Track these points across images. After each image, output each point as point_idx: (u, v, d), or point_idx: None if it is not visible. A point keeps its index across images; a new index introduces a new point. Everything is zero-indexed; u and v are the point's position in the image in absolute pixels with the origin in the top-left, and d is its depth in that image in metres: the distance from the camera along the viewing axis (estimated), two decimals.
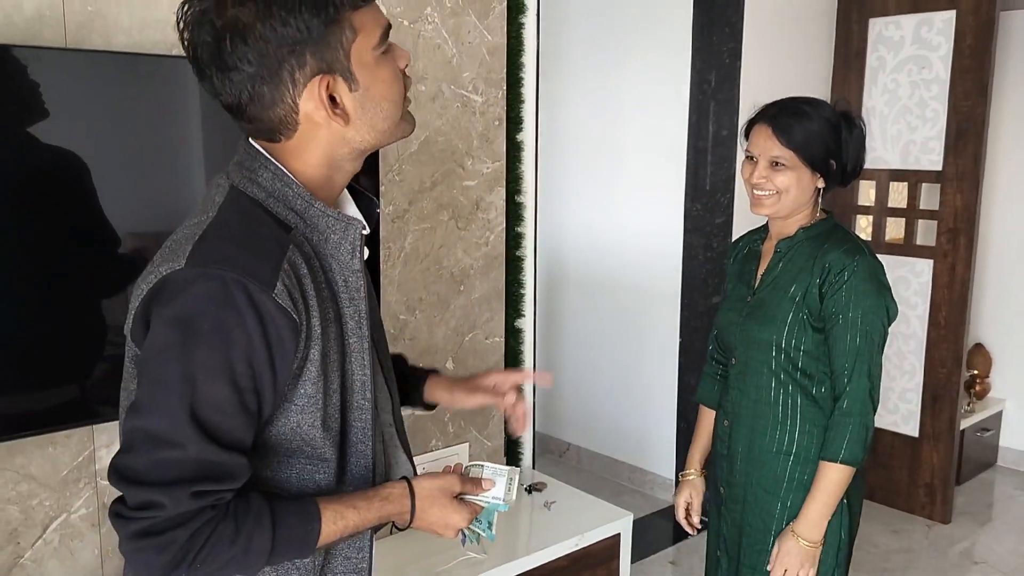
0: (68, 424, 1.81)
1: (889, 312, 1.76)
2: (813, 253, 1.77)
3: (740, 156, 1.91)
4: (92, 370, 1.85)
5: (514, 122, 2.58)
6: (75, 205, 1.76)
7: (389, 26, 1.05)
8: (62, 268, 1.76)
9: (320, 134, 1.03)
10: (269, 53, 0.96)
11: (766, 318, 1.81)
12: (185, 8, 0.99)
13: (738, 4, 3.32)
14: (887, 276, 1.78)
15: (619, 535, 2.59)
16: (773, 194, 1.77)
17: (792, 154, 1.75)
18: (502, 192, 2.56)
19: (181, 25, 0.99)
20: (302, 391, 1.02)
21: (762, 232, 1.95)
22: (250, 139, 1.07)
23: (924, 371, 3.66)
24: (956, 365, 3.57)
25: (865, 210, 3.82)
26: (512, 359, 2.70)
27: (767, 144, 1.77)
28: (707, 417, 2.05)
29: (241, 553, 0.98)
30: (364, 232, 1.09)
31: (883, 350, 1.77)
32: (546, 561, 2.40)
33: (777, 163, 1.76)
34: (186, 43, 0.99)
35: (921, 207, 3.65)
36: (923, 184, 3.63)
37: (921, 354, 3.66)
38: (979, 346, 4.34)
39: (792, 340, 1.77)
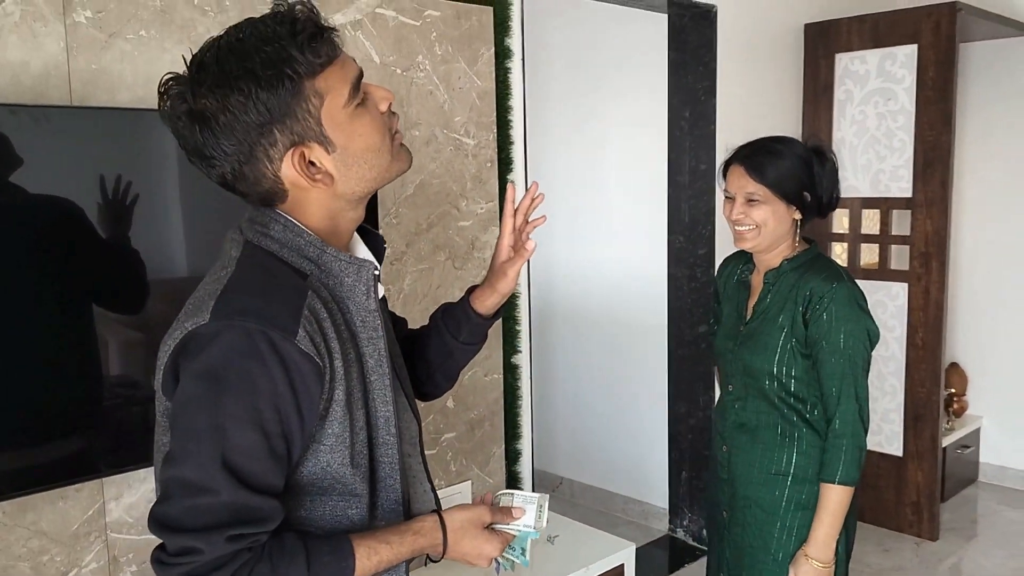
0: (78, 478, 1.80)
1: (870, 335, 1.84)
2: (796, 283, 1.86)
3: (719, 189, 2.01)
4: (100, 424, 1.85)
5: (505, 163, 2.64)
6: (79, 258, 1.78)
7: (360, 75, 1.08)
8: (68, 320, 1.78)
9: (311, 196, 1.08)
10: (239, 139, 1.01)
11: (758, 348, 1.89)
12: (161, 100, 1.04)
13: (711, 44, 3.44)
14: (866, 301, 1.86)
15: (623, 566, 2.61)
16: (753, 228, 1.87)
17: (766, 189, 1.85)
18: (496, 231, 2.61)
19: (162, 116, 1.04)
20: (329, 431, 1.05)
21: (750, 260, 2.04)
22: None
23: (905, 391, 3.75)
24: (935, 384, 3.66)
25: (840, 237, 3.93)
26: (510, 395, 2.73)
27: (742, 182, 1.88)
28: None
29: None
30: (376, 272, 1.13)
31: (868, 372, 1.84)
32: None
33: (752, 199, 1.86)
34: (171, 131, 1.05)
35: (893, 233, 3.76)
36: (894, 211, 3.74)
37: (901, 375, 3.75)
38: (954, 365, 4.45)
39: (784, 367, 1.86)
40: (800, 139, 1.97)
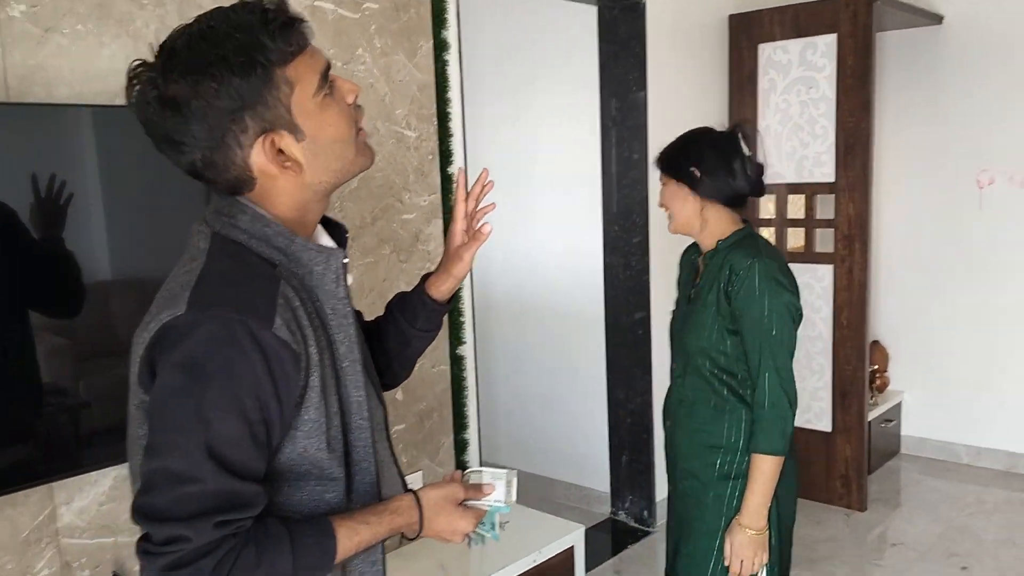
0: (26, 484, 1.76)
1: (791, 308, 1.87)
2: (721, 262, 1.92)
3: (653, 179, 2.09)
4: (39, 429, 1.82)
5: (445, 155, 2.66)
6: (12, 262, 1.73)
7: (328, 66, 1.09)
8: (10, 327, 1.73)
9: (279, 184, 1.09)
10: (210, 124, 1.01)
11: (694, 326, 1.97)
12: (129, 86, 1.03)
13: (640, 35, 3.52)
14: (788, 276, 1.90)
15: (572, 548, 2.67)
16: (668, 213, 1.99)
17: (667, 177, 1.97)
18: (440, 223, 2.63)
19: (130, 103, 1.04)
20: (306, 417, 1.07)
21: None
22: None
23: (832, 369, 3.91)
24: (860, 362, 3.84)
25: (767, 222, 4.06)
26: (456, 385, 2.76)
27: (660, 175, 1.99)
28: None
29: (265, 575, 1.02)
30: (345, 260, 1.15)
31: (791, 345, 1.89)
32: None
33: (665, 187, 1.98)
34: (138, 119, 1.04)
35: (818, 217, 3.91)
36: (818, 195, 3.90)
37: (828, 354, 3.91)
38: (876, 343, 4.66)
39: (714, 344, 1.93)
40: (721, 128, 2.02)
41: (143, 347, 1.03)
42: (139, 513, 0.99)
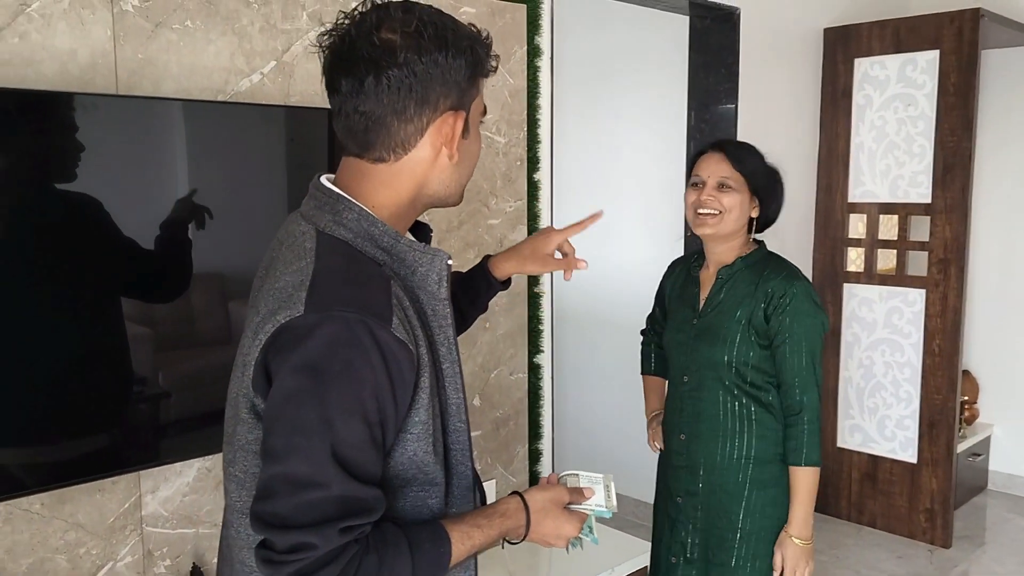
0: (115, 471, 1.79)
1: (824, 326, 1.99)
2: (754, 280, 1.98)
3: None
4: (135, 417, 1.84)
5: (532, 162, 2.63)
6: (118, 254, 1.76)
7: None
8: (105, 316, 1.76)
9: (418, 169, 1.08)
10: (430, 76, 1.03)
11: (715, 339, 2.00)
12: (354, 22, 1.05)
13: (733, 47, 3.44)
14: (819, 296, 2.04)
15: (646, 568, 2.60)
16: (716, 214, 1.98)
17: (740, 178, 1.98)
18: (524, 230, 2.61)
19: (335, 33, 1.06)
20: (416, 419, 1.05)
21: (696, 259, 2.16)
22: (323, 180, 1.11)
23: (920, 398, 3.75)
24: (951, 391, 3.67)
25: (856, 243, 3.93)
26: (533, 395, 2.73)
27: (718, 167, 1.99)
28: (654, 380, 2.37)
29: None
30: (449, 262, 1.13)
31: (822, 360, 2.02)
32: None
33: (724, 184, 1.98)
34: (337, 49, 1.05)
35: (911, 238, 3.77)
36: (912, 216, 3.75)
37: (917, 381, 3.76)
38: (966, 372, 4.46)
39: (741, 357, 1.97)
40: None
41: (258, 349, 1.01)
42: (260, 521, 0.98)
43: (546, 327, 2.75)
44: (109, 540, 1.83)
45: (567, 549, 1.24)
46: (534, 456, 2.78)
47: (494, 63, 1.11)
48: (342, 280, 1.01)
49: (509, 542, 1.18)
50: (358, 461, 0.98)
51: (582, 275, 4.55)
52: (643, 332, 2.42)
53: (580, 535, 1.22)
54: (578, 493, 1.23)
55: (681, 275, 2.19)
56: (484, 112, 1.14)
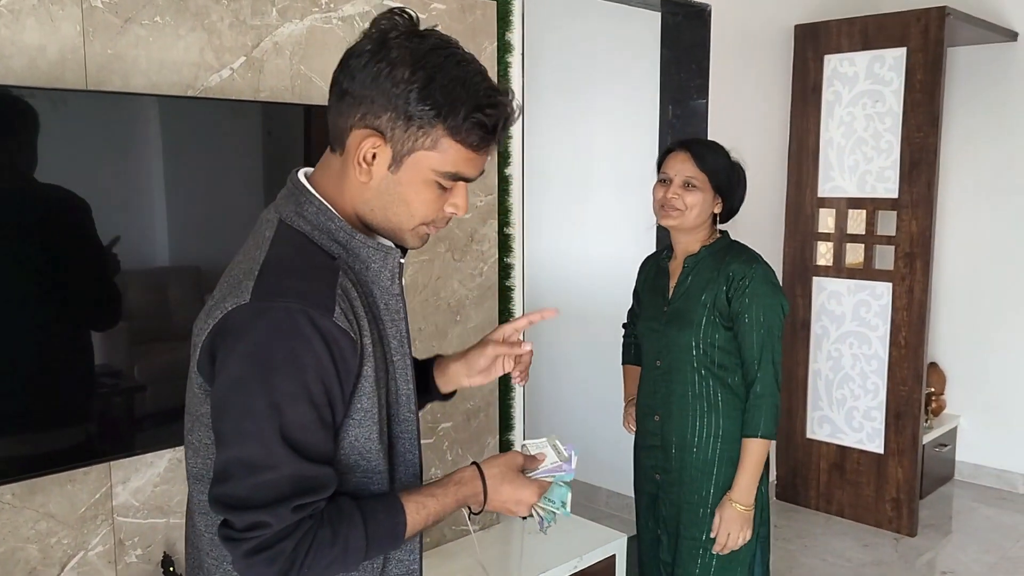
0: (86, 461, 1.81)
1: (784, 308, 2.11)
2: (717, 265, 2.12)
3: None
4: (105, 408, 1.86)
5: (503, 156, 2.67)
6: (82, 246, 1.78)
7: (470, 180, 1.13)
8: (70, 308, 1.78)
9: (349, 172, 1.11)
10: (377, 89, 1.04)
11: (684, 323, 2.13)
12: (391, 17, 1.09)
13: (704, 43, 3.49)
14: (778, 279, 2.15)
15: (614, 556, 2.66)
16: (679, 210, 2.11)
17: (704, 177, 2.11)
18: (495, 224, 2.64)
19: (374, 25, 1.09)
20: (359, 405, 1.10)
21: (665, 252, 2.29)
22: (299, 173, 1.16)
23: (887, 390, 3.83)
24: (917, 383, 3.75)
25: (825, 236, 3.99)
26: (504, 387, 2.77)
27: (683, 166, 2.12)
28: (633, 370, 2.42)
29: (341, 553, 1.06)
30: (401, 260, 1.17)
31: (781, 340, 2.12)
32: None
33: (689, 184, 2.11)
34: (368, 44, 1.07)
35: (878, 233, 3.84)
36: (880, 211, 3.82)
37: (883, 373, 3.83)
38: (933, 364, 4.54)
39: (707, 339, 2.11)
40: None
41: (206, 333, 1.05)
42: (219, 503, 1.03)
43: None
44: (80, 530, 1.85)
45: (539, 525, 1.27)
46: (506, 447, 2.82)
47: (482, 142, 1.08)
48: (288, 271, 1.06)
49: (473, 513, 1.21)
50: (308, 442, 1.03)
51: (556, 267, 4.58)
52: (624, 325, 2.54)
53: (552, 509, 1.25)
54: (532, 459, 1.26)
55: (652, 269, 2.33)
56: (456, 178, 1.10)
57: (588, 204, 4.08)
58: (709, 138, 3.51)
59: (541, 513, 1.26)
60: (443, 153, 1.08)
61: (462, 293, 2.57)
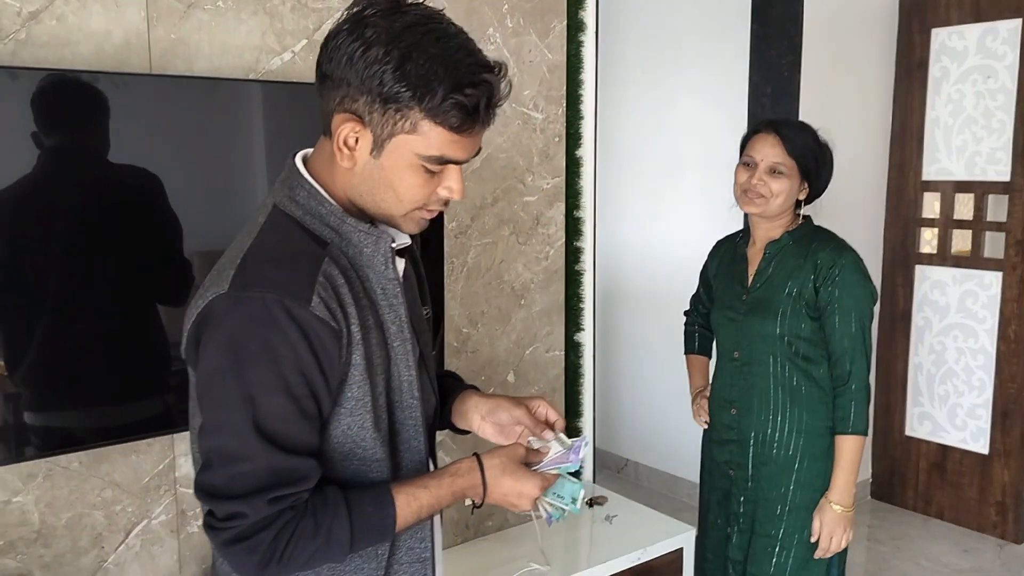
0: (150, 433, 1.88)
1: (874, 297, 2.01)
2: (802, 253, 2.01)
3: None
4: (171, 383, 1.93)
5: (573, 138, 2.61)
6: (155, 224, 1.84)
7: (460, 163, 1.07)
8: (142, 284, 1.85)
9: (335, 157, 1.07)
10: (355, 72, 1.00)
11: (766, 312, 2.03)
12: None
13: (796, 17, 3.32)
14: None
15: (681, 549, 2.58)
16: (763, 197, 2.00)
17: (792, 162, 1.99)
18: (562, 207, 2.59)
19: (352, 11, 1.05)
20: (349, 394, 1.08)
21: (742, 237, 2.19)
22: (295, 158, 1.14)
23: (994, 386, 3.58)
24: None
25: (930, 223, 3.76)
26: (572, 372, 2.73)
27: (771, 151, 2.00)
28: (699, 360, 2.39)
29: (324, 544, 1.05)
30: (394, 244, 1.13)
31: (871, 330, 2.01)
32: (608, 575, 2.40)
33: (776, 170, 1.99)
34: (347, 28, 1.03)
35: (988, 219, 3.57)
36: (990, 195, 3.56)
37: (990, 369, 3.58)
38: None
39: (792, 330, 2.00)
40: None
41: (191, 322, 1.06)
42: (200, 490, 1.04)
43: (587, 305, 2.74)
44: (144, 499, 1.93)
45: (548, 521, 1.22)
46: (573, 433, 2.76)
47: (464, 124, 1.02)
48: (269, 260, 1.04)
49: (475, 505, 1.18)
50: (285, 433, 1.02)
51: (639, 253, 4.54)
52: (686, 313, 2.45)
53: (561, 505, 1.19)
54: (536, 453, 1.21)
55: (727, 254, 2.22)
56: (443, 161, 1.05)
57: (672, 186, 3.97)
58: (800, 118, 3.36)
59: (548, 509, 1.20)
60: (424, 136, 1.02)
61: (527, 277, 2.54)
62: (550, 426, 1.27)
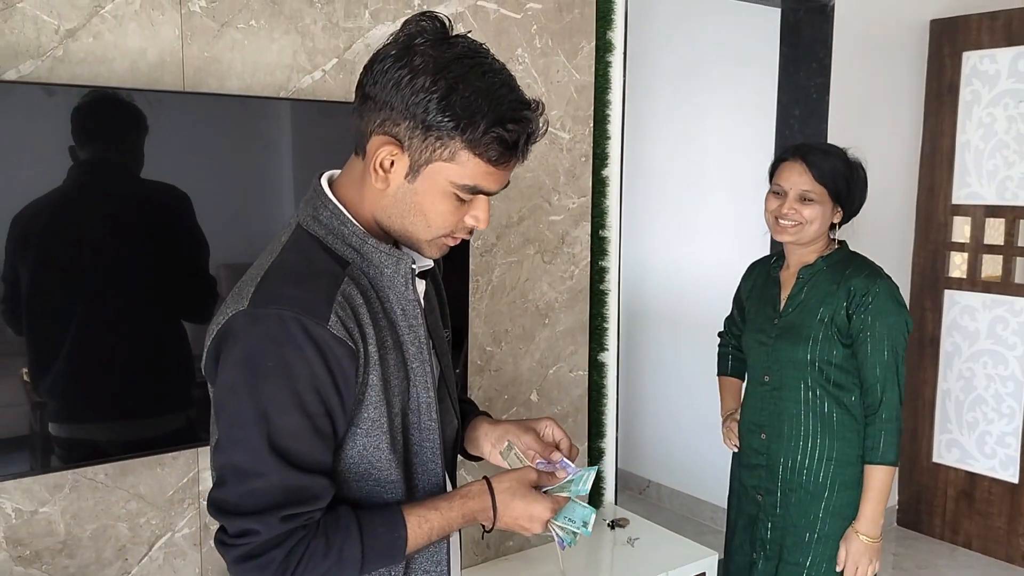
0: (175, 447, 1.90)
1: (908, 326, 1.98)
2: (836, 279, 1.99)
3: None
4: (196, 396, 1.94)
5: (600, 158, 2.61)
6: (181, 238, 1.86)
7: (490, 194, 1.09)
8: (170, 300, 1.87)
9: (368, 177, 1.08)
10: (402, 94, 1.02)
11: (798, 338, 2.01)
12: (424, 21, 1.06)
13: (826, 40, 3.31)
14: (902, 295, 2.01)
15: (704, 575, 2.55)
16: (797, 224, 1.99)
17: (822, 189, 1.97)
18: (587, 227, 2.59)
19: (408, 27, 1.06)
20: (365, 415, 1.08)
21: (776, 260, 2.17)
22: (321, 178, 1.15)
23: (1023, 414, 3.51)
24: None
25: (960, 247, 3.71)
26: (595, 392, 2.71)
27: (800, 179, 1.99)
28: (730, 382, 2.36)
29: (335, 565, 1.05)
30: (415, 266, 1.14)
31: (905, 360, 1.98)
32: None
33: (806, 197, 1.98)
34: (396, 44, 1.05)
35: (1019, 244, 3.52)
36: (1021, 220, 3.51)
37: (1020, 396, 3.52)
38: None
39: (823, 356, 1.98)
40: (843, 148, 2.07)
41: (211, 338, 1.06)
42: (213, 506, 1.04)
43: (611, 325, 2.73)
44: (168, 512, 1.94)
45: (560, 545, 1.22)
46: (596, 454, 2.77)
47: (502, 158, 1.03)
48: (288, 278, 1.05)
49: (485, 530, 1.17)
50: (299, 451, 1.02)
51: (664, 272, 4.53)
52: (720, 334, 2.44)
53: (573, 529, 1.19)
54: (548, 476, 1.20)
55: (761, 276, 2.21)
56: (475, 191, 1.06)
57: (700, 207, 3.95)
58: (830, 140, 3.34)
59: (560, 533, 1.20)
60: (461, 166, 1.04)
61: (551, 296, 2.54)
62: (558, 446, 1.26)
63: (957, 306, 3.72)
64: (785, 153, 2.07)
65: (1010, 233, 3.54)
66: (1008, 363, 3.55)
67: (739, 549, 2.20)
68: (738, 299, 2.30)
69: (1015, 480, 3.56)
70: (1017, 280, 3.54)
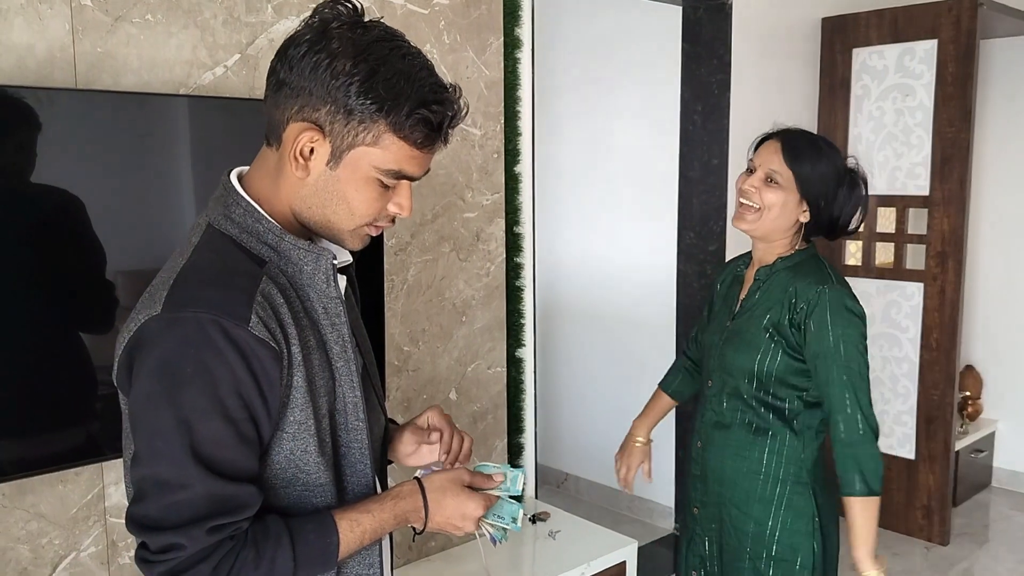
0: (77, 462, 1.80)
1: (863, 339, 1.77)
2: (789, 284, 1.80)
3: (731, 186, 1.94)
4: (99, 409, 1.85)
5: (512, 154, 2.62)
6: (75, 245, 1.77)
7: (414, 179, 1.07)
8: (65, 309, 1.77)
9: (284, 167, 1.06)
10: (315, 82, 1.00)
11: (741, 345, 1.85)
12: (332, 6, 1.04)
13: (725, 38, 3.40)
14: (858, 302, 1.80)
15: (624, 563, 2.59)
16: (756, 210, 1.82)
17: (790, 175, 1.79)
18: (501, 223, 2.59)
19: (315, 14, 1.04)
20: (291, 418, 1.05)
21: (748, 257, 1.99)
22: (230, 175, 1.11)
23: (918, 394, 3.70)
24: (949, 387, 3.61)
25: (855, 236, 3.87)
26: (513, 388, 2.72)
27: (771, 157, 1.81)
28: (661, 399, 2.21)
29: (267, 575, 1.00)
30: (335, 261, 1.11)
31: (866, 375, 1.77)
32: None
33: (771, 179, 1.80)
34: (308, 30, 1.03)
35: (909, 231, 3.71)
36: (910, 209, 3.69)
37: (914, 377, 3.70)
38: (969, 368, 4.40)
39: (764, 367, 1.81)
40: (842, 155, 1.89)
41: (122, 347, 1.01)
42: (133, 522, 0.98)
43: (527, 320, 2.74)
44: (72, 531, 1.84)
45: (492, 541, 1.22)
46: (515, 449, 2.77)
47: (426, 140, 1.02)
48: (203, 279, 1.01)
49: (415, 531, 1.16)
50: (224, 459, 0.98)
51: (576, 267, 4.57)
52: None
53: (503, 525, 1.19)
54: (482, 478, 1.20)
55: (731, 274, 2.04)
56: (399, 176, 1.05)
57: (609, 204, 4.01)
58: (731, 135, 3.43)
59: (491, 530, 1.20)
60: (385, 150, 1.02)
61: (468, 293, 2.53)
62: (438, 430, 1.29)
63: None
64: (769, 132, 1.90)
65: (900, 221, 3.72)
66: (902, 345, 3.73)
67: (683, 564, 2.07)
68: (710, 298, 2.11)
69: (912, 457, 3.74)
70: (908, 266, 3.73)
